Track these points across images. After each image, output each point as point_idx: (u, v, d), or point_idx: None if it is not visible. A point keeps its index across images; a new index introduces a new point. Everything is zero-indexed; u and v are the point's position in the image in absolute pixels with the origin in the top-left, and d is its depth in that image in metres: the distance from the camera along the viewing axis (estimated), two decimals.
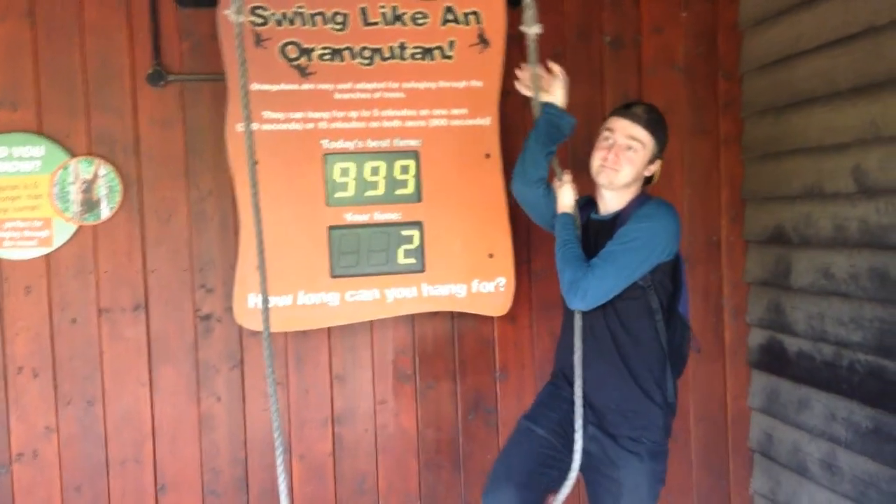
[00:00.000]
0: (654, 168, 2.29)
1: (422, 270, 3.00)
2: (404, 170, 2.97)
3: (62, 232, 2.83)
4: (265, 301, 2.45)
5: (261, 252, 2.45)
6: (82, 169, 2.81)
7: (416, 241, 3.00)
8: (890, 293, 2.60)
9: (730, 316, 3.36)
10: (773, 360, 3.22)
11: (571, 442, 2.24)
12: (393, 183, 2.97)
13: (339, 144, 2.92)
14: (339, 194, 2.93)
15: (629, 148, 2.19)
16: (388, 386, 3.11)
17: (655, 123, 2.23)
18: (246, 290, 2.86)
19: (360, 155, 2.94)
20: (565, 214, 2.31)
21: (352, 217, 2.95)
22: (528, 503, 2.18)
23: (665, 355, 2.22)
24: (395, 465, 3.12)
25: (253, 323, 2.87)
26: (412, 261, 3.00)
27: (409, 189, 2.99)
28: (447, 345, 3.16)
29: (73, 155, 2.83)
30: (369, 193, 2.96)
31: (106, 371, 2.87)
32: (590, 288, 2.14)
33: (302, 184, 2.90)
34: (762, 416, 3.31)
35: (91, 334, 2.86)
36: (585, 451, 2.24)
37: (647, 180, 2.34)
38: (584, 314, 2.25)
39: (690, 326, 2.32)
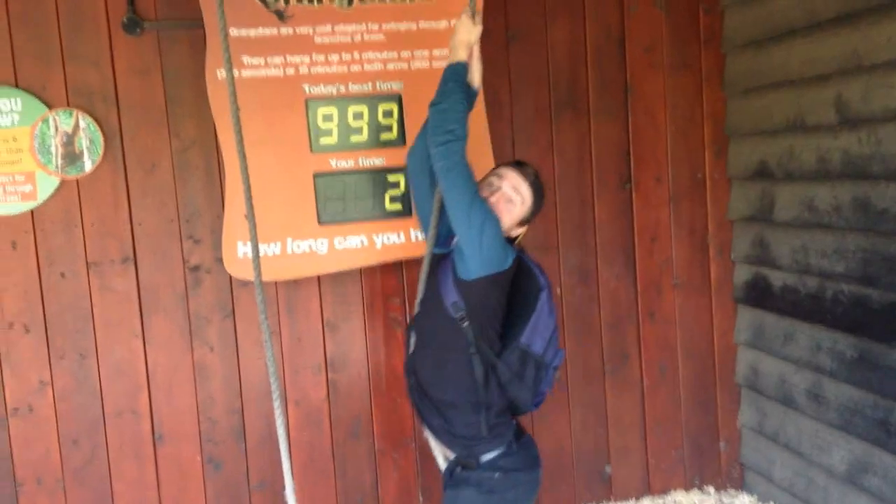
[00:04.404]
0: (521, 231, 2.27)
1: (409, 215, 3.01)
2: (387, 114, 2.96)
3: (46, 186, 2.80)
4: (255, 247, 2.46)
5: (248, 198, 2.45)
6: (62, 121, 2.78)
7: (403, 187, 3.00)
8: (872, 222, 2.63)
9: (715, 252, 3.39)
10: (758, 295, 3.27)
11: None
12: (377, 128, 2.96)
13: (321, 89, 2.90)
14: (323, 140, 2.92)
15: (510, 200, 2.17)
16: (378, 332, 3.13)
17: (540, 189, 2.24)
18: (235, 239, 2.85)
19: (343, 100, 2.92)
20: (457, 65, 2.19)
21: (337, 163, 2.94)
22: None
23: (476, 392, 2.17)
24: (390, 408, 3.16)
25: (243, 272, 2.87)
26: (399, 206, 3.01)
27: (393, 134, 2.97)
28: None
29: (52, 107, 2.78)
30: (354, 139, 2.94)
31: (97, 324, 2.87)
32: (444, 167, 2.08)
33: (285, 130, 2.88)
34: (748, 351, 3.37)
35: (81, 288, 2.85)
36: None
37: (510, 241, 2.25)
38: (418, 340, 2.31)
39: (543, 363, 2.21)
